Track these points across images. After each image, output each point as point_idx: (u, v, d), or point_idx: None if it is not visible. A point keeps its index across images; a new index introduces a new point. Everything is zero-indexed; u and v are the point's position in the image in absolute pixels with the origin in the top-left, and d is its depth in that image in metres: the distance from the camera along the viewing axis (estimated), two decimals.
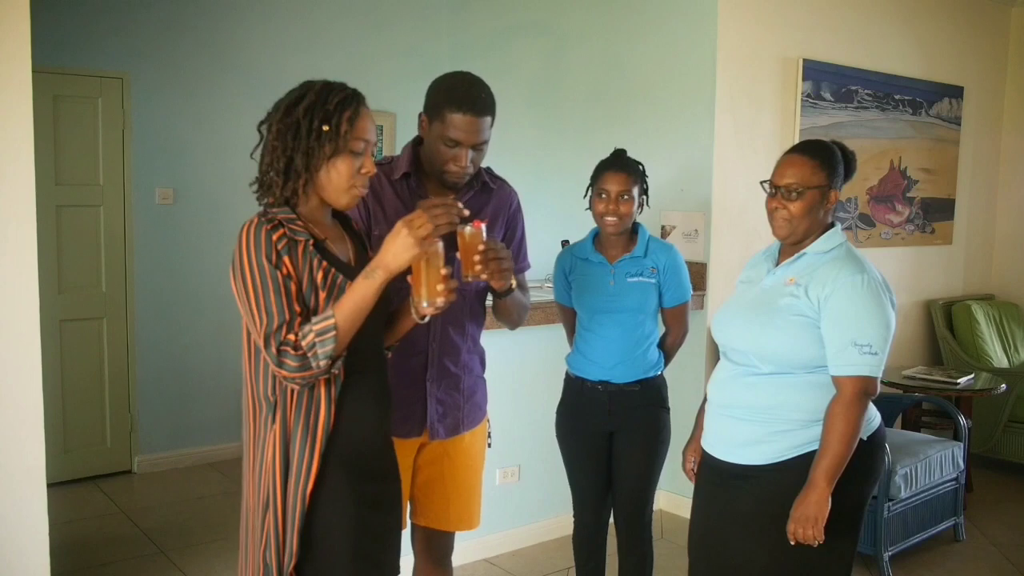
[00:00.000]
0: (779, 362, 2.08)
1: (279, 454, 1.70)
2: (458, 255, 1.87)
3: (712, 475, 2.22)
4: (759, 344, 2.10)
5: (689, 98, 4.18)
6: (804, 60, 4.35)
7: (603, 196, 2.64)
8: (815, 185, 2.10)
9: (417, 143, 2.23)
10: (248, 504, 1.78)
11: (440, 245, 1.69)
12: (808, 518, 1.96)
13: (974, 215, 5.62)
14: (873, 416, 2.15)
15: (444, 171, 2.11)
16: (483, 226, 1.87)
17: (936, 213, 5.34)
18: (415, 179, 2.19)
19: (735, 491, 2.13)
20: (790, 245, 2.18)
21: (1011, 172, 5.71)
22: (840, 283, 2.02)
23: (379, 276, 1.64)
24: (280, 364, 1.62)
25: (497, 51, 5.17)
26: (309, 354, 1.62)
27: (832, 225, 2.18)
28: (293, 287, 1.66)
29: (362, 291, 1.64)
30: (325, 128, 1.68)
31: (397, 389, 2.14)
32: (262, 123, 1.77)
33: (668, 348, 2.82)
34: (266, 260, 1.64)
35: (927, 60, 5.14)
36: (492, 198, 2.29)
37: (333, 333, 1.62)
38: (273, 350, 1.62)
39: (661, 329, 2.83)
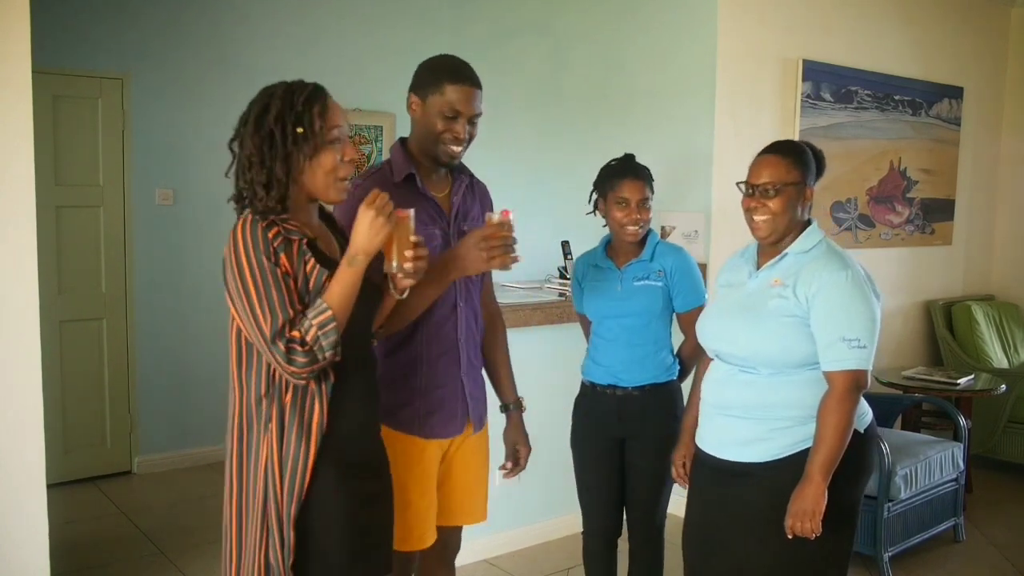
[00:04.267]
0: (774, 364, 2.09)
1: (276, 454, 1.70)
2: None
3: (711, 474, 2.22)
4: (752, 348, 2.11)
5: (689, 99, 4.18)
6: (804, 60, 4.35)
7: (623, 204, 2.61)
8: (792, 182, 2.13)
9: (403, 143, 2.22)
10: (234, 509, 1.77)
11: (411, 213, 1.75)
12: (806, 512, 1.98)
13: (974, 216, 5.62)
14: (865, 411, 2.17)
15: (441, 144, 2.11)
16: (511, 215, 1.97)
17: (936, 214, 5.34)
18: (418, 178, 2.17)
19: (735, 490, 2.14)
20: (769, 245, 2.19)
21: (1011, 172, 5.71)
22: (825, 280, 2.05)
23: (361, 261, 1.69)
24: (290, 361, 1.63)
25: (497, 51, 5.17)
26: (315, 347, 1.64)
27: (809, 223, 2.20)
28: (292, 284, 1.68)
29: (348, 278, 1.68)
30: (299, 130, 1.71)
31: (435, 390, 2.15)
32: (232, 140, 1.78)
33: (685, 356, 2.75)
34: (265, 258, 1.65)
35: (927, 61, 5.14)
36: (479, 192, 2.33)
37: (334, 324, 1.65)
38: (282, 348, 1.63)
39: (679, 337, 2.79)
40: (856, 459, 2.07)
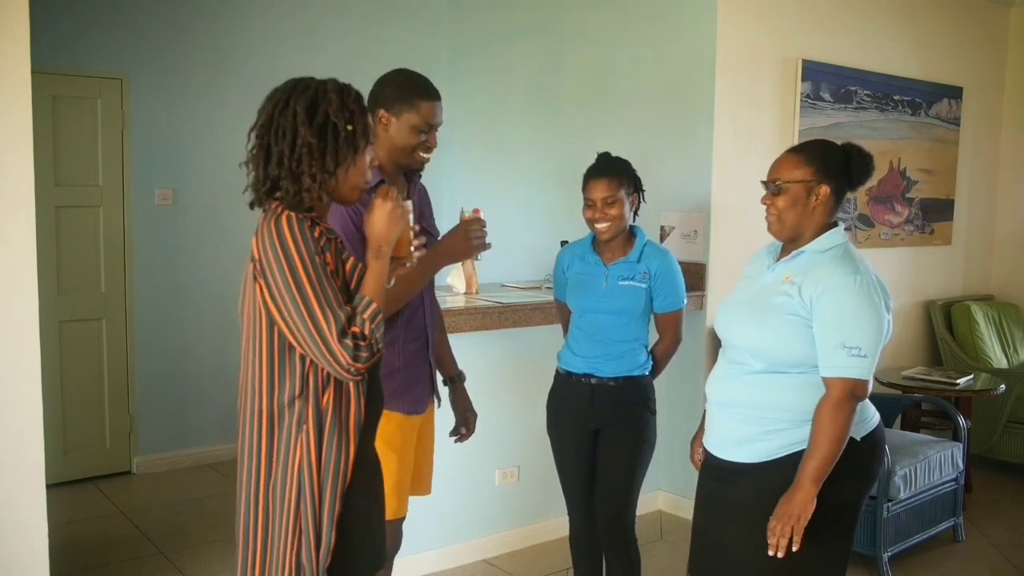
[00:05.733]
0: (771, 359, 2.08)
1: (314, 454, 1.68)
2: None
3: (711, 472, 2.24)
4: (753, 341, 2.11)
5: (688, 99, 4.18)
6: (803, 61, 4.35)
7: (589, 204, 2.67)
8: (797, 180, 2.10)
9: None
10: (259, 510, 1.73)
11: (410, 204, 1.84)
12: (791, 516, 1.96)
13: (974, 215, 5.63)
14: (870, 416, 2.15)
15: (416, 155, 2.28)
16: (481, 212, 2.30)
17: (935, 214, 5.34)
18: (388, 181, 2.25)
19: (731, 488, 2.14)
20: (788, 243, 2.18)
21: (1011, 172, 5.72)
22: (832, 283, 2.01)
23: (386, 252, 1.74)
24: (356, 358, 1.62)
25: (497, 51, 5.15)
26: (372, 340, 1.65)
27: (835, 224, 2.16)
28: (339, 283, 1.70)
29: (379, 269, 1.73)
30: (349, 128, 1.73)
31: (410, 371, 2.32)
32: (264, 129, 1.72)
33: (659, 356, 2.81)
34: (317, 256, 1.65)
35: (926, 61, 5.14)
36: (424, 193, 2.48)
37: (381, 316, 1.69)
38: (350, 345, 1.62)
39: (654, 336, 2.83)
40: (857, 464, 2.06)
